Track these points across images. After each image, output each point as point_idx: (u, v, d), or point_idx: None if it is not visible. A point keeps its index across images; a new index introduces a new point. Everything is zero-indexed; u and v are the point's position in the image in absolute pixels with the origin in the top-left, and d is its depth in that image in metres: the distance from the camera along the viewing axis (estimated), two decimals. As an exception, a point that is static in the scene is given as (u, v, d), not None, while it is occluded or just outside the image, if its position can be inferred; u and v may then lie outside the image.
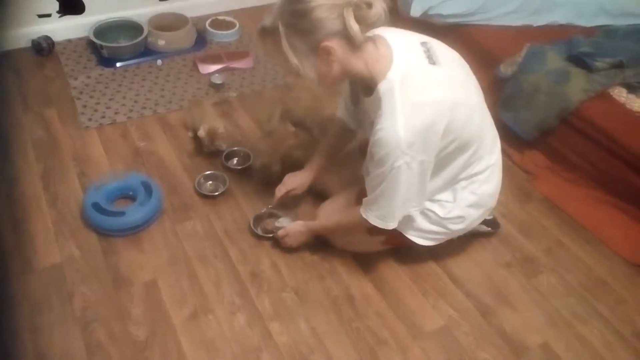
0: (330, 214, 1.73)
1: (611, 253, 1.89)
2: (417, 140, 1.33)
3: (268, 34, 1.36)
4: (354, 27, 1.28)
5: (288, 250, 1.76)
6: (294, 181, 1.81)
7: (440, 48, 1.47)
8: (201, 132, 2.00)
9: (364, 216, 1.50)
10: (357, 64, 1.36)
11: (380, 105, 1.35)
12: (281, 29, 1.32)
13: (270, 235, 1.78)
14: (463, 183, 1.57)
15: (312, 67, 1.36)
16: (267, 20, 1.35)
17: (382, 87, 1.35)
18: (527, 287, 1.76)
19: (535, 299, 1.73)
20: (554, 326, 1.66)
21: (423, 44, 1.44)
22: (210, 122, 2.05)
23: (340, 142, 1.82)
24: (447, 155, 1.46)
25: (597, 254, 1.89)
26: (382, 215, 1.47)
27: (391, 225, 1.49)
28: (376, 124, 1.36)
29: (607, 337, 1.64)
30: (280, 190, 1.80)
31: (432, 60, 1.40)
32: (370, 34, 1.35)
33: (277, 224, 1.79)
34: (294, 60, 1.34)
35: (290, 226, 1.73)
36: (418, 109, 1.34)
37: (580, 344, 1.62)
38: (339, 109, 1.76)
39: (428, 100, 1.36)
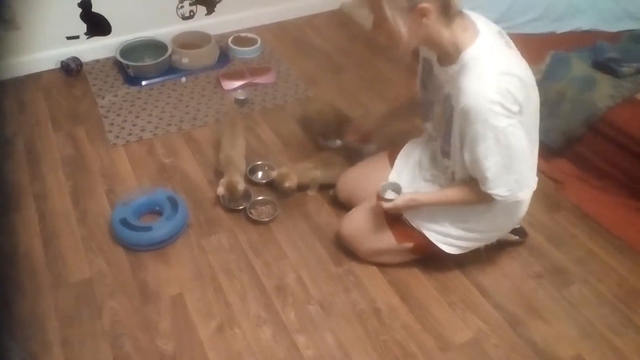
0: (356, 221, 1.75)
1: (645, 262, 1.84)
2: (506, 102, 1.32)
3: None
4: None
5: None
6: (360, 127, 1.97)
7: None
8: (220, 189, 1.90)
9: (492, 192, 1.44)
10: (444, 32, 1.36)
11: (466, 70, 1.35)
12: None
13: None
14: None
15: (404, 24, 1.34)
16: None
17: (469, 53, 1.35)
18: (558, 298, 1.72)
19: (567, 310, 1.69)
20: (587, 338, 1.62)
21: (499, 31, 1.45)
22: (233, 169, 1.94)
23: (407, 109, 1.94)
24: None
25: (630, 262, 1.84)
26: (516, 180, 1.43)
27: (528, 191, 1.47)
28: (462, 89, 1.34)
29: (643, 348, 1.59)
30: (352, 135, 2.00)
31: (508, 45, 1.42)
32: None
33: (386, 196, 1.64)
34: (388, 11, 1.32)
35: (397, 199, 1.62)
36: (505, 77, 1.33)
37: (614, 356, 1.57)
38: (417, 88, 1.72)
39: (514, 73, 1.35)
